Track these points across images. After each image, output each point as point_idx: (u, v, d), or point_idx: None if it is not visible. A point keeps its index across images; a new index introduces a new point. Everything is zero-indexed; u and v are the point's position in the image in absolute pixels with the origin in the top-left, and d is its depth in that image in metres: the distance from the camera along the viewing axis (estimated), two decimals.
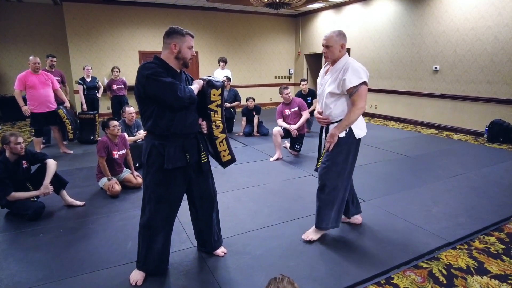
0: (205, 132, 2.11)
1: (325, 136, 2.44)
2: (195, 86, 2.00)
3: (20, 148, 2.93)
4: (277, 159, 4.75)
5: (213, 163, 2.23)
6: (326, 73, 2.47)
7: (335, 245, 2.51)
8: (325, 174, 2.43)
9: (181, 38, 1.92)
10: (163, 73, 1.85)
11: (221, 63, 7.15)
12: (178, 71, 1.98)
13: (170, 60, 1.93)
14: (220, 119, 2.11)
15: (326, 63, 2.51)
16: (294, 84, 10.99)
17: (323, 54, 2.41)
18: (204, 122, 2.09)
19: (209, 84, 2.02)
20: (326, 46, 2.32)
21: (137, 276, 2.09)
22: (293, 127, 4.75)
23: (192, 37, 1.97)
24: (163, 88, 1.82)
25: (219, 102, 2.07)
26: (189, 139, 2.02)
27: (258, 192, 3.55)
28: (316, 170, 2.55)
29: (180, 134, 1.96)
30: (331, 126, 2.40)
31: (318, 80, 2.58)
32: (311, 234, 2.57)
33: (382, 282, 2.10)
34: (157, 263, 2.12)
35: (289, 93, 5.01)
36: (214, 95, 2.03)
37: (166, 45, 1.93)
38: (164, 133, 1.92)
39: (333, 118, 2.39)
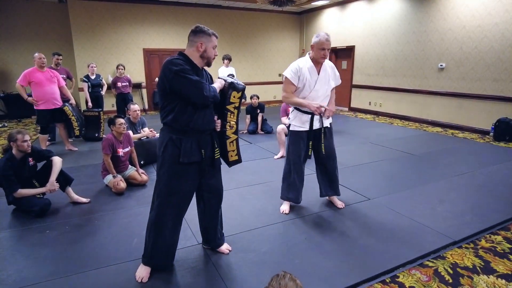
0: (218, 130, 2.13)
1: (321, 124, 2.85)
2: (217, 85, 2.03)
3: (27, 145, 2.95)
4: (281, 157, 4.74)
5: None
6: (317, 71, 2.76)
7: (340, 243, 2.50)
8: (334, 152, 2.98)
9: (208, 38, 1.95)
10: (190, 71, 1.88)
11: (225, 61, 7.12)
12: (201, 68, 2.01)
13: (194, 58, 1.96)
14: (235, 120, 2.14)
15: (305, 61, 2.75)
16: None
17: (320, 56, 2.67)
18: (219, 121, 2.12)
19: (231, 86, 2.05)
20: (328, 49, 2.64)
21: (142, 272, 2.11)
22: None
23: (217, 37, 2.01)
24: (190, 86, 1.85)
25: (237, 105, 2.10)
26: (204, 135, 2.05)
27: (262, 190, 3.55)
28: (309, 157, 2.93)
29: (198, 130, 1.99)
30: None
31: (296, 75, 2.72)
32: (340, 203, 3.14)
33: (388, 280, 2.09)
34: (164, 258, 2.14)
35: None
36: (234, 97, 2.06)
37: (192, 43, 1.95)
38: (183, 128, 1.95)
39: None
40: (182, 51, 1.99)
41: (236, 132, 2.17)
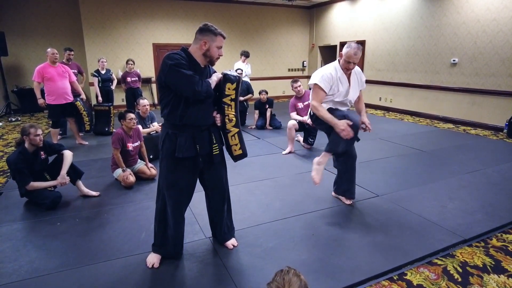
0: (218, 124, 2.13)
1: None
2: (213, 80, 2.03)
3: (39, 139, 3.01)
4: (289, 152, 4.73)
5: (226, 156, 2.24)
6: (347, 79, 2.75)
7: (348, 240, 2.49)
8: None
9: (213, 37, 1.95)
10: (185, 65, 1.89)
11: (243, 57, 7.06)
12: (202, 66, 2.01)
13: (197, 55, 1.97)
14: (234, 113, 2.12)
15: (335, 69, 2.71)
16: (307, 77, 10.87)
17: (344, 67, 2.67)
18: (218, 115, 2.11)
19: (225, 78, 2.04)
20: (354, 63, 2.65)
21: (153, 259, 2.18)
22: (308, 119, 4.71)
23: (224, 38, 2.00)
24: (182, 80, 1.86)
25: (233, 96, 2.08)
26: (200, 131, 2.05)
27: (270, 185, 3.55)
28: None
29: (192, 126, 2.01)
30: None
31: (329, 83, 2.67)
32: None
33: (395, 278, 2.08)
34: (172, 247, 2.20)
35: (300, 86, 4.97)
36: (229, 89, 2.05)
37: (197, 40, 1.96)
38: (177, 123, 1.98)
39: None
40: (189, 46, 1.99)
41: (236, 125, 2.15)
